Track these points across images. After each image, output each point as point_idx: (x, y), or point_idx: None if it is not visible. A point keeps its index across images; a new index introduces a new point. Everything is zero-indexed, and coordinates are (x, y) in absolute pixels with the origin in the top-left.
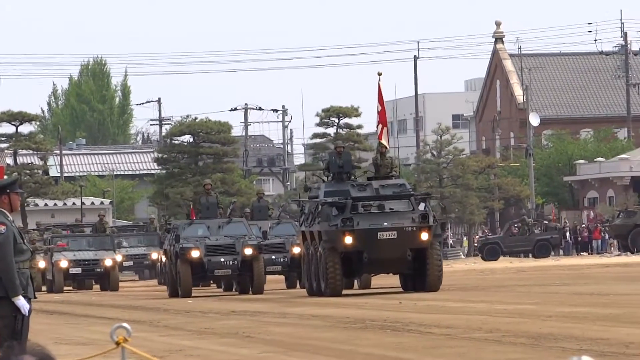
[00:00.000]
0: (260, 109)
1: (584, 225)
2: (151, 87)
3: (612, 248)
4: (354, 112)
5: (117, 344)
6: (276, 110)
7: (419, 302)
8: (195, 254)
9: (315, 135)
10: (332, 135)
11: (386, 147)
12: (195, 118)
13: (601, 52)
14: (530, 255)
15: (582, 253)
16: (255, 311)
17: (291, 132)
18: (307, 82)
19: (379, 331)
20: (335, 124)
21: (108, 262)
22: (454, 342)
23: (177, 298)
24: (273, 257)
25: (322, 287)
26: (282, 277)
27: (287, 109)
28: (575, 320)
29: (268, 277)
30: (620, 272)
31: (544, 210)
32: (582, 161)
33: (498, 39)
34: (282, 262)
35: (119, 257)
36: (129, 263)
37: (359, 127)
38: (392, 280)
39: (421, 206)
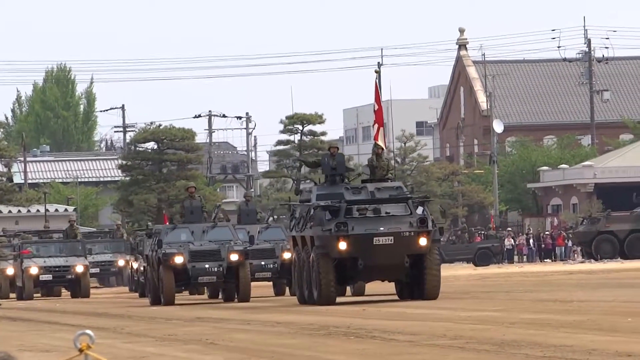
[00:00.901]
0: (224, 116)
1: (547, 233)
2: (115, 94)
3: (576, 255)
4: (318, 119)
5: (81, 350)
6: (240, 118)
7: (383, 308)
8: (178, 259)
9: (279, 142)
10: (296, 142)
11: (382, 149)
12: (159, 125)
13: (565, 59)
14: (472, 263)
15: (545, 260)
16: (219, 318)
17: (255, 139)
18: (271, 89)
19: (342, 338)
20: (300, 131)
21: (79, 269)
22: (418, 349)
23: (159, 306)
24: (262, 263)
25: (314, 295)
26: (271, 283)
27: (250, 116)
28: (539, 327)
29: (257, 283)
30: (584, 279)
31: (508, 217)
32: (545, 168)
33: (462, 45)
34: (271, 268)
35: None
36: (95, 270)
37: (323, 134)
38: (387, 287)
39: (419, 210)
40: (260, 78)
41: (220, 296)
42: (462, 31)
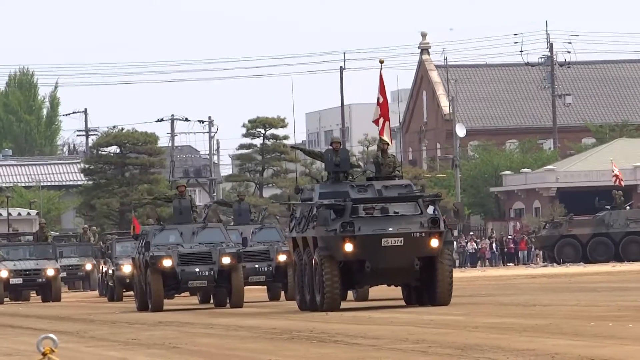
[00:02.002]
0: (186, 119)
1: (510, 237)
2: (78, 98)
3: (538, 259)
4: (280, 122)
5: (44, 354)
6: (202, 121)
7: (345, 313)
8: (167, 263)
9: (241, 146)
10: (259, 146)
11: (388, 144)
12: (122, 129)
13: (527, 63)
14: None
15: (508, 264)
16: (182, 322)
17: (217, 143)
18: (233, 93)
19: (305, 342)
20: (262, 135)
21: (50, 272)
22: (380, 353)
23: (146, 312)
24: (256, 266)
25: (317, 300)
26: (264, 287)
27: (213, 120)
28: (502, 331)
29: (251, 287)
30: (546, 283)
31: (471, 221)
32: (508, 172)
33: (424, 50)
34: (266, 272)
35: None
36: (63, 274)
37: (286, 137)
38: (393, 291)
39: (430, 209)
40: (222, 82)
41: (211, 301)
42: (424, 35)
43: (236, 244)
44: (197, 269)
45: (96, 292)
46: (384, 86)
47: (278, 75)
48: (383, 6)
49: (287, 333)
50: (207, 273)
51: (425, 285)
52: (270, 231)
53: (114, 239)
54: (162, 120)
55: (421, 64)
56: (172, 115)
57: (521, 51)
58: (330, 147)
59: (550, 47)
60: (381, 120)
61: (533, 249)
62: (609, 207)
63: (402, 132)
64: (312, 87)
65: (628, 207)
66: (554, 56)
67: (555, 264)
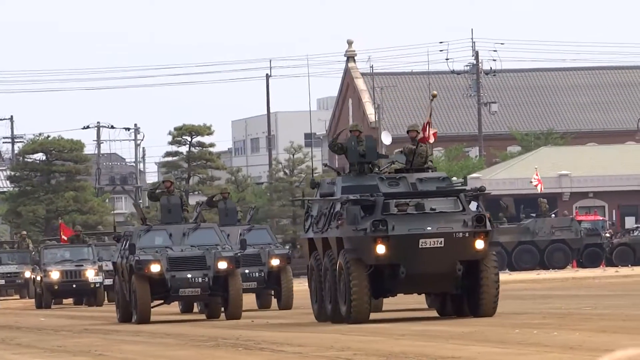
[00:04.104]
0: (112, 127)
1: None
2: (4, 105)
3: None
4: (206, 130)
5: None
6: (128, 129)
7: (273, 319)
8: (155, 268)
9: (167, 154)
10: (185, 153)
11: (417, 132)
12: (48, 136)
13: (453, 71)
14: None
15: None
16: (109, 329)
17: (143, 151)
18: (160, 100)
19: (231, 349)
20: (188, 143)
21: None
22: None
23: (129, 324)
24: (246, 271)
25: (341, 310)
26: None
27: (139, 128)
28: (428, 339)
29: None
30: None
31: None
32: None
33: (350, 57)
34: (257, 278)
35: None
36: (1, 281)
37: (212, 145)
38: (409, 299)
39: (472, 205)
40: (148, 89)
41: (195, 309)
42: (350, 43)
43: (234, 246)
44: (189, 275)
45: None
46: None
47: (204, 82)
48: (309, 14)
49: (213, 340)
50: (200, 280)
51: (467, 294)
52: (261, 232)
53: (42, 246)
54: (88, 127)
55: (347, 72)
56: (98, 122)
57: (447, 59)
58: (351, 134)
59: (476, 55)
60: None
61: None
62: (534, 215)
63: (328, 140)
64: (238, 94)
65: (553, 215)
66: (480, 64)
67: None
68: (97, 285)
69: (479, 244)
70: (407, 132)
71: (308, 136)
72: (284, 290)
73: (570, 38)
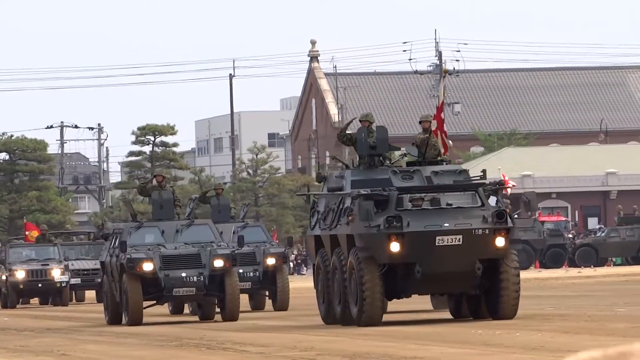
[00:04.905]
0: (76, 126)
1: None
2: None
3: None
4: (170, 130)
5: None
6: (92, 128)
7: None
8: (147, 266)
9: (131, 154)
10: (148, 153)
11: (429, 121)
12: (11, 136)
13: (416, 72)
14: None
15: None
16: (71, 328)
17: (107, 150)
18: (123, 100)
19: (194, 349)
20: (151, 142)
21: None
22: None
23: (119, 326)
24: (241, 270)
25: (352, 312)
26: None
27: (103, 127)
28: (392, 339)
29: None
30: None
31: None
32: None
33: (313, 57)
34: (252, 278)
35: None
36: None
37: (175, 145)
38: (413, 300)
39: (492, 200)
40: (112, 89)
41: (186, 310)
42: (313, 43)
43: (230, 243)
44: (183, 274)
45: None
46: (440, 95)
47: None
48: (273, 14)
49: (177, 340)
50: (195, 279)
51: (485, 295)
52: (255, 230)
53: (7, 245)
54: (51, 127)
55: (310, 72)
56: (62, 122)
57: (410, 59)
58: (362, 125)
59: (439, 55)
60: (438, 135)
61: None
62: None
63: (292, 140)
64: (202, 94)
65: (516, 216)
66: (443, 64)
67: None
68: (63, 285)
69: (500, 242)
70: (420, 122)
71: (271, 136)
72: (279, 290)
73: (533, 39)
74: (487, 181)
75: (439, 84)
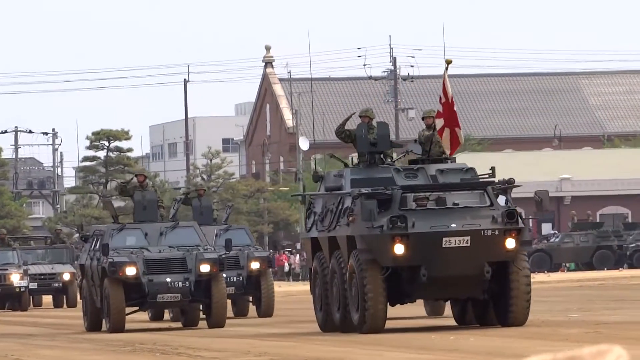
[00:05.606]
0: (30, 131)
1: None
2: None
3: None
4: (124, 135)
5: None
6: (46, 133)
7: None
8: (130, 271)
9: (85, 159)
10: (102, 158)
11: (432, 117)
12: None
13: (370, 77)
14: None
15: None
16: (25, 333)
17: (61, 155)
18: (77, 105)
19: (148, 354)
20: (106, 148)
21: None
22: None
23: (100, 333)
24: (224, 275)
25: (353, 318)
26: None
27: (57, 132)
28: (346, 344)
29: None
30: None
31: None
32: None
33: (268, 63)
34: (235, 282)
35: None
36: None
37: (129, 150)
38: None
39: (501, 199)
40: (67, 94)
41: (166, 317)
42: (268, 49)
43: (218, 247)
44: (168, 279)
45: None
46: (446, 88)
47: (122, 87)
48: (227, 19)
49: (131, 345)
50: (181, 284)
51: (494, 300)
52: (238, 233)
53: None
54: (5, 132)
55: (265, 77)
56: (16, 127)
57: (365, 65)
58: (362, 121)
59: (394, 61)
60: (446, 132)
61: None
62: None
63: (246, 145)
64: (156, 99)
65: None
66: (397, 70)
67: None
68: (22, 290)
69: (510, 243)
70: (422, 118)
71: (226, 141)
72: (264, 296)
73: (487, 45)
74: (495, 179)
75: (443, 75)
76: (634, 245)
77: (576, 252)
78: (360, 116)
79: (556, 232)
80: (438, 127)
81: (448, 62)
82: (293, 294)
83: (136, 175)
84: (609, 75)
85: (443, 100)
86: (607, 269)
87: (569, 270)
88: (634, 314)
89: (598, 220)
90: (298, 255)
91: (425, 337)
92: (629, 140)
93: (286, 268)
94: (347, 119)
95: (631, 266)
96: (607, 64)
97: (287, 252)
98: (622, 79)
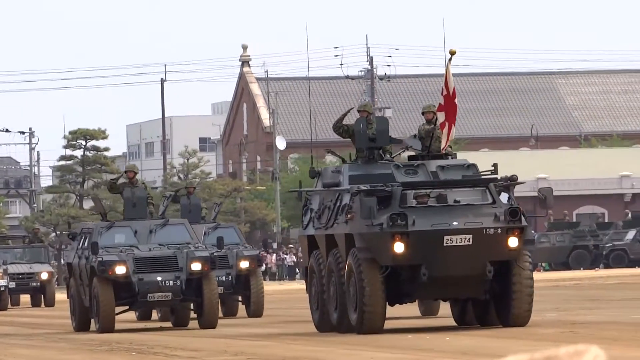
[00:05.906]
0: (7, 131)
1: None
2: None
3: None
4: (101, 134)
5: None
6: (23, 132)
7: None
8: (120, 270)
9: (62, 158)
10: (79, 157)
11: (434, 113)
12: None
13: (347, 77)
14: None
15: None
16: (2, 333)
17: (38, 154)
18: (54, 104)
19: (124, 354)
20: (83, 147)
21: None
22: None
23: (89, 333)
24: None
25: (351, 318)
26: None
27: (34, 131)
28: (321, 344)
29: None
30: None
31: (290, 233)
32: None
33: (245, 62)
34: (224, 282)
35: None
36: None
37: (106, 149)
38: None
39: (503, 197)
40: (43, 93)
41: (155, 317)
42: (245, 48)
43: (209, 245)
44: (159, 278)
45: None
46: (448, 81)
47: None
48: (203, 18)
49: (107, 344)
50: (172, 283)
51: (495, 300)
52: (227, 231)
53: None
54: None
55: (242, 77)
56: None
57: (341, 64)
58: (360, 116)
59: (371, 60)
60: (446, 126)
61: None
62: None
63: (223, 145)
64: (133, 98)
65: None
66: (374, 69)
67: None
68: (1, 289)
69: (513, 242)
70: (422, 113)
71: (203, 140)
72: (253, 295)
73: (464, 44)
74: (498, 176)
75: (446, 67)
76: (610, 245)
77: (552, 251)
78: (358, 111)
79: (532, 231)
80: (440, 120)
81: (452, 53)
82: (269, 293)
83: (126, 172)
84: (585, 75)
85: (444, 92)
86: (584, 269)
87: (544, 270)
88: (610, 314)
89: (574, 220)
90: (275, 254)
91: (400, 336)
92: (605, 140)
93: (262, 268)
94: (346, 114)
95: (607, 266)
96: (583, 63)
97: (263, 251)
98: (598, 79)
